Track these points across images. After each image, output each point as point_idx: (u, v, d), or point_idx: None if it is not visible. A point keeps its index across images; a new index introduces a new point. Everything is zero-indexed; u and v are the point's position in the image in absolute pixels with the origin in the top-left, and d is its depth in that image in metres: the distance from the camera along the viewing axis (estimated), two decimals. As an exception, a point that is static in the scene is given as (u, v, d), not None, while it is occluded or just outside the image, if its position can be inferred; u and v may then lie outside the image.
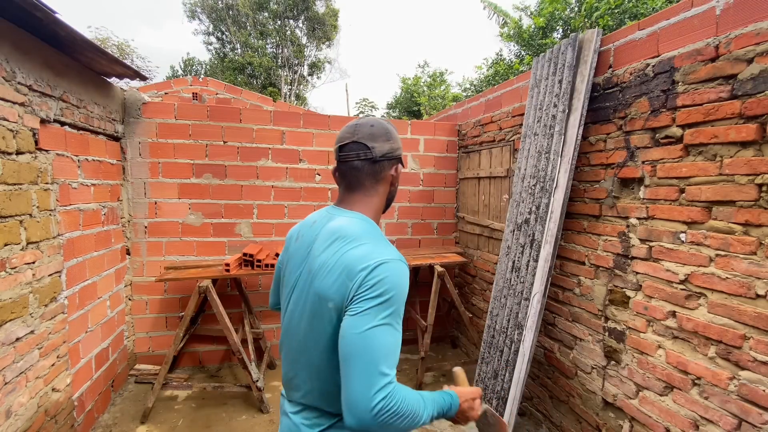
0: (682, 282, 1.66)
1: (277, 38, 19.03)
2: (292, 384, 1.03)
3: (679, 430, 1.68)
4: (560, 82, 2.25)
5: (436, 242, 3.96)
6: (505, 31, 11.14)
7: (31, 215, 1.90)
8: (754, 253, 1.40)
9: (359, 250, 0.89)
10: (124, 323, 3.11)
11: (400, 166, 1.10)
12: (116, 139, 2.99)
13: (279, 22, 19.17)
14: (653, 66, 1.79)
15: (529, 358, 2.26)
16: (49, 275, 2.07)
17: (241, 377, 3.28)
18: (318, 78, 21.55)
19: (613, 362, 2.04)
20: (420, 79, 17.83)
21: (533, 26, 10.45)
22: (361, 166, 1.01)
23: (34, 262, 1.93)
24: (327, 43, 20.40)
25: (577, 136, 2.13)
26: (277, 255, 3.03)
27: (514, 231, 2.58)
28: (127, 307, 3.16)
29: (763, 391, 1.37)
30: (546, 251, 2.24)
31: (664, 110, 1.73)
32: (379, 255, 0.88)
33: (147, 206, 3.19)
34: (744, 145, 1.43)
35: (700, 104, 1.58)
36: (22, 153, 1.84)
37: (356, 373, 0.80)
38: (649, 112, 1.81)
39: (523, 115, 2.77)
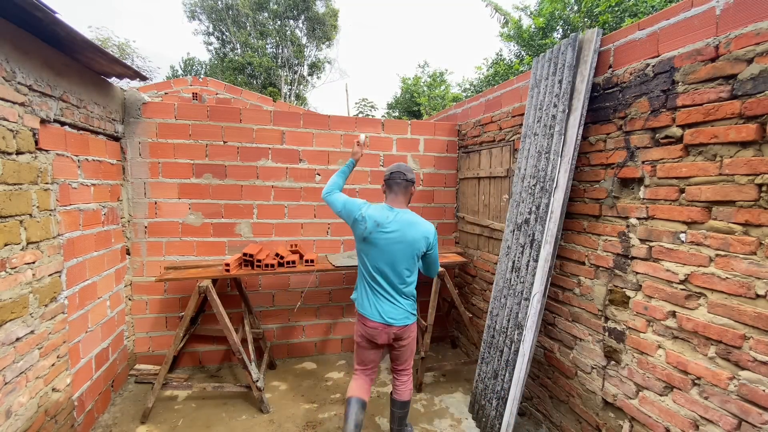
0: (682, 282, 1.66)
1: (277, 38, 19.04)
2: (384, 283, 2.10)
3: (679, 430, 1.68)
4: (560, 82, 2.25)
5: (436, 242, 3.96)
6: (505, 31, 11.14)
7: (31, 215, 1.90)
8: (754, 253, 1.40)
9: (425, 226, 2.11)
10: (124, 323, 3.11)
11: (414, 186, 2.24)
12: (116, 139, 2.99)
13: (279, 22, 19.18)
14: (653, 66, 1.79)
15: (529, 358, 2.26)
16: (49, 275, 2.07)
17: (241, 377, 3.28)
18: (318, 78, 21.57)
19: (613, 362, 2.04)
20: (420, 79, 17.83)
21: (533, 26, 10.45)
22: (403, 184, 2.16)
23: (34, 262, 1.93)
24: (327, 43, 20.41)
25: (577, 136, 2.13)
26: (277, 254, 3.04)
27: (514, 231, 2.58)
28: (127, 307, 3.16)
29: (763, 391, 1.37)
30: (546, 251, 2.24)
31: (664, 110, 1.73)
32: (430, 227, 2.13)
33: (147, 206, 3.19)
34: (744, 145, 1.43)
35: (700, 104, 1.58)
36: (22, 153, 1.84)
37: (435, 267, 2.26)
38: (649, 112, 1.81)
39: (523, 115, 2.77)
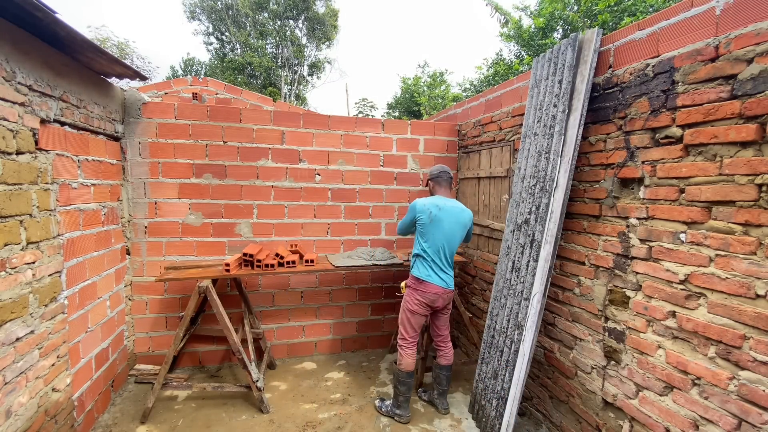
0: (682, 282, 1.66)
1: (277, 38, 19.04)
2: (443, 256, 2.63)
3: (679, 430, 1.68)
4: (560, 82, 2.25)
5: (436, 242, 3.96)
6: (506, 31, 11.15)
7: (31, 215, 1.90)
8: (754, 253, 1.40)
9: (468, 211, 2.71)
10: (124, 323, 3.11)
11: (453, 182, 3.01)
12: (116, 139, 2.99)
13: (279, 23, 19.18)
14: (653, 66, 1.79)
15: (529, 358, 2.26)
16: (49, 275, 2.07)
17: (241, 377, 3.28)
18: (318, 78, 21.57)
19: (613, 362, 2.04)
20: (420, 79, 17.82)
21: (533, 26, 10.45)
22: (448, 179, 2.77)
23: (34, 262, 1.93)
24: (327, 43, 20.41)
25: (577, 136, 2.13)
26: (277, 254, 3.04)
27: (514, 231, 2.58)
28: (127, 307, 3.16)
29: (763, 391, 1.37)
30: (546, 251, 2.24)
31: (664, 110, 1.74)
32: (470, 212, 2.73)
33: (147, 206, 3.19)
34: (744, 145, 1.43)
35: (700, 104, 1.58)
36: (22, 153, 1.84)
37: (470, 237, 2.86)
38: (649, 112, 1.81)
39: (523, 115, 2.77)
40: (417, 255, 2.69)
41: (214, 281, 2.76)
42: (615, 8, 8.73)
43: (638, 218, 1.88)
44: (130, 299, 3.21)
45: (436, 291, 2.62)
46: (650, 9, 8.45)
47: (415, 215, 2.67)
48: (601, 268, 2.11)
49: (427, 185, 2.90)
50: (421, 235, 2.68)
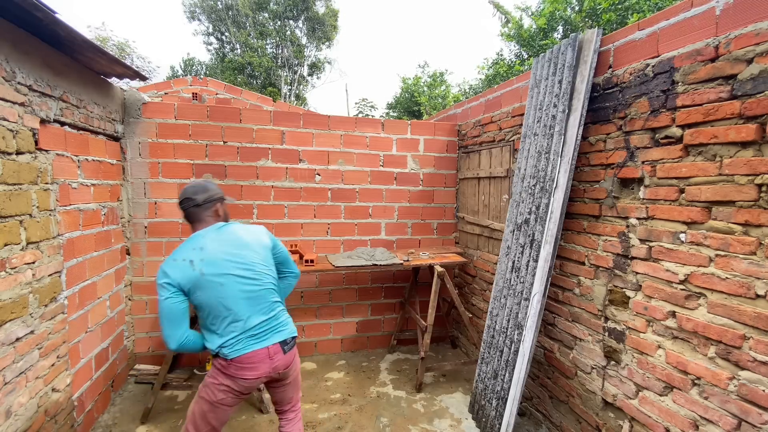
0: (681, 282, 1.66)
1: (277, 38, 19.04)
2: (254, 313, 1.72)
3: (679, 430, 1.68)
4: (560, 82, 2.25)
5: (436, 242, 3.96)
6: (506, 30, 11.15)
7: (31, 215, 1.90)
8: (754, 253, 1.40)
9: (251, 231, 1.85)
10: (124, 323, 3.11)
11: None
12: (116, 139, 2.99)
13: (279, 23, 19.18)
14: (653, 66, 1.79)
15: (529, 358, 2.26)
16: (49, 275, 2.07)
17: (241, 377, 3.28)
18: (318, 78, 21.57)
19: (612, 362, 2.04)
20: (420, 79, 17.81)
21: (534, 26, 10.45)
22: (205, 204, 1.77)
23: (34, 262, 1.93)
24: (327, 43, 20.41)
25: (576, 137, 2.13)
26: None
27: (514, 231, 2.58)
28: (127, 307, 3.16)
29: (763, 391, 1.37)
30: (546, 251, 2.24)
31: (663, 110, 1.74)
32: (258, 232, 1.87)
33: (147, 206, 3.19)
34: (744, 145, 1.43)
35: (700, 104, 1.58)
36: (22, 153, 1.84)
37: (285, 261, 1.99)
38: (649, 112, 1.81)
39: (523, 115, 2.77)
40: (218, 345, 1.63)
41: (214, 281, 2.76)
42: (619, 6, 8.71)
43: (638, 218, 1.88)
44: (130, 299, 3.21)
45: (258, 365, 1.65)
46: (655, 8, 8.44)
47: (168, 295, 1.58)
48: (601, 268, 2.11)
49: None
50: (202, 315, 1.66)
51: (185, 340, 1.63)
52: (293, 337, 1.79)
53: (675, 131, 1.69)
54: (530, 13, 10.96)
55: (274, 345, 1.70)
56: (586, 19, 9.21)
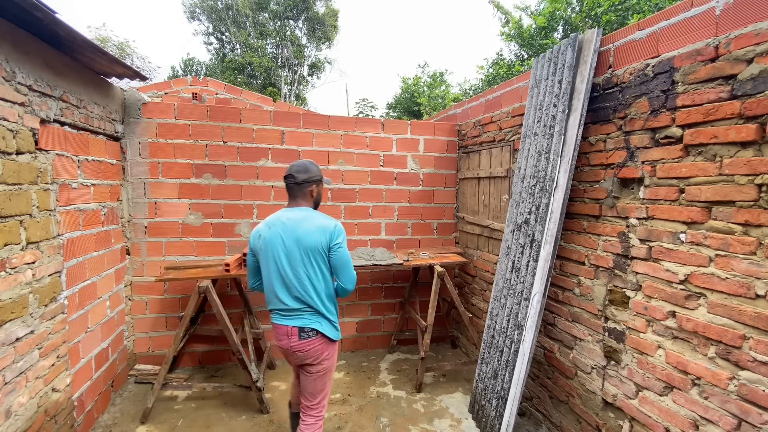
0: (681, 282, 1.66)
1: (277, 38, 19.04)
2: (285, 296, 1.90)
3: (679, 430, 1.68)
4: (560, 82, 2.25)
5: (436, 242, 3.96)
6: (506, 30, 11.14)
7: (31, 215, 1.90)
8: (754, 253, 1.40)
9: (320, 226, 1.90)
10: (124, 323, 3.11)
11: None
12: (116, 139, 2.99)
13: (279, 23, 19.18)
14: (653, 66, 1.79)
15: (529, 358, 2.26)
16: (49, 275, 2.07)
17: (241, 377, 3.28)
18: (318, 78, 21.57)
19: (612, 362, 2.04)
20: (420, 79, 17.81)
21: (534, 26, 10.45)
22: (296, 184, 1.97)
23: (34, 262, 1.93)
24: (327, 43, 20.41)
25: (576, 137, 2.13)
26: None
27: (514, 231, 2.58)
28: (127, 307, 3.16)
29: (763, 391, 1.37)
30: (546, 251, 2.24)
31: (663, 110, 1.74)
32: (328, 227, 1.91)
33: (147, 206, 3.19)
34: (744, 145, 1.43)
35: (700, 104, 1.58)
36: (22, 153, 1.84)
37: (347, 272, 1.98)
38: (649, 112, 1.81)
39: (523, 115, 2.77)
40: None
41: (214, 281, 2.76)
42: (619, 7, 8.71)
43: (638, 218, 1.88)
44: (130, 299, 3.21)
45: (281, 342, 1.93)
46: (655, 8, 8.43)
47: (248, 252, 2.01)
48: (601, 268, 2.11)
49: None
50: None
51: (257, 285, 2.02)
52: (313, 329, 1.88)
53: (675, 131, 1.69)
54: (530, 13, 10.96)
55: (293, 327, 1.87)
56: (587, 20, 9.21)
